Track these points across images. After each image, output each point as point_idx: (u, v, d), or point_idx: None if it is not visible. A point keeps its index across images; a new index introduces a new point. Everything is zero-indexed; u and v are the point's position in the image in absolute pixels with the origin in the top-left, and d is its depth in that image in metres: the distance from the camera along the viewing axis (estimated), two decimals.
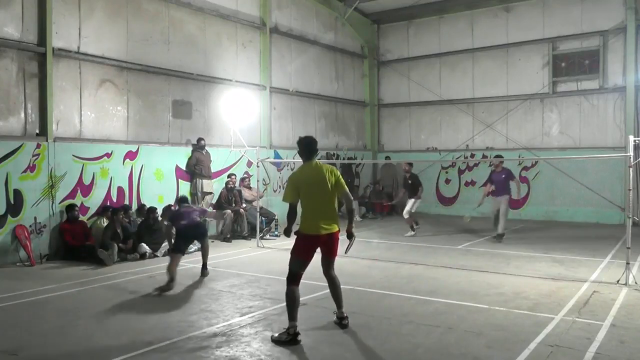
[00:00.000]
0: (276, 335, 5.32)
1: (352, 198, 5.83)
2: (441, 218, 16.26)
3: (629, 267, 7.58)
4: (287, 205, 5.58)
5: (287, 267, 5.55)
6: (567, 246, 10.82)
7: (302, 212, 5.61)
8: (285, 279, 5.54)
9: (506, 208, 11.69)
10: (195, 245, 10.70)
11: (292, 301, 5.35)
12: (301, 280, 5.52)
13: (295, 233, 5.59)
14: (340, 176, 5.71)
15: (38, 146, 9.72)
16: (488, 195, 12.06)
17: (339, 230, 5.64)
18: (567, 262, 9.26)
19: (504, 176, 11.79)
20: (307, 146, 5.68)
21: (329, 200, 5.58)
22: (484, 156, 16.29)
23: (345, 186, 5.72)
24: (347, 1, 16.98)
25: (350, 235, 5.71)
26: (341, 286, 5.82)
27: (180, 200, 9.13)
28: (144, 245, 9.92)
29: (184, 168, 12.20)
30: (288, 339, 5.19)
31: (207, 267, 8.43)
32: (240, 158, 13.42)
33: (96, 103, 10.75)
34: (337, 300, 5.75)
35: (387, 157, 17.72)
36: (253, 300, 6.84)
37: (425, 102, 17.86)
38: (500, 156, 13.00)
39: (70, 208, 9.90)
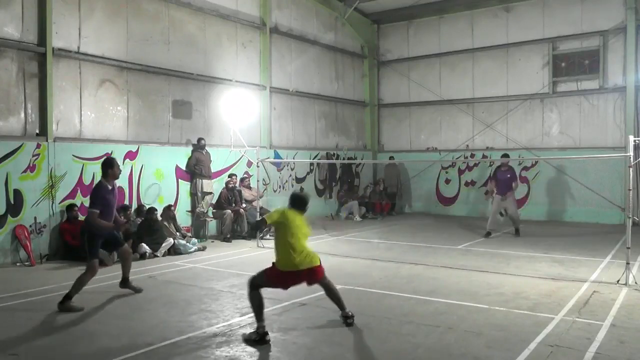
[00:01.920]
0: (247, 334, 5.37)
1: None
2: (441, 218, 16.27)
3: (629, 267, 7.57)
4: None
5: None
6: (567, 246, 10.82)
7: (280, 248, 5.59)
8: None
9: (515, 206, 12.46)
10: (194, 245, 10.71)
11: (257, 304, 5.41)
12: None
13: (273, 264, 5.62)
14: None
15: (38, 146, 9.73)
16: (491, 194, 12.62)
17: (320, 265, 5.66)
18: (567, 262, 9.26)
19: (509, 175, 12.31)
20: (296, 202, 5.82)
21: (304, 240, 5.65)
22: (484, 156, 16.30)
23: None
24: (347, 1, 16.98)
25: None
26: (342, 286, 5.82)
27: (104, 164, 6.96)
28: (143, 245, 9.91)
29: (184, 168, 12.21)
30: (257, 339, 5.22)
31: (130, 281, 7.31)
32: (240, 158, 13.42)
33: (96, 103, 10.76)
34: (337, 303, 5.80)
35: (391, 157, 17.66)
36: None
37: (425, 102, 17.85)
38: (507, 155, 13.46)
39: (70, 208, 9.91)
